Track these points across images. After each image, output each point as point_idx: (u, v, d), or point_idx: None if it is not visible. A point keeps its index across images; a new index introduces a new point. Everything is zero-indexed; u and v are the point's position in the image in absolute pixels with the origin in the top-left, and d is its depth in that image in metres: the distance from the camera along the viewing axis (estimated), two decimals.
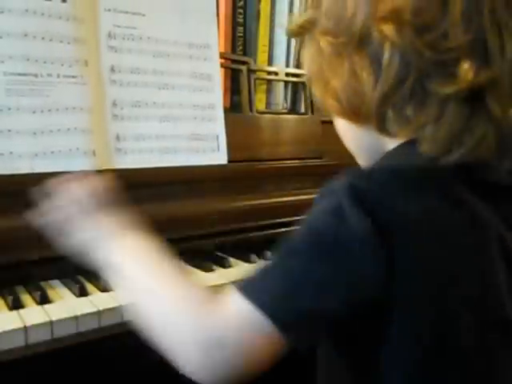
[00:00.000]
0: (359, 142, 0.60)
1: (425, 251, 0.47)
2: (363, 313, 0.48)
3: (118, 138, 0.94)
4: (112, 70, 0.94)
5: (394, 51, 0.49)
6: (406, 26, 0.48)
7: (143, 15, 0.97)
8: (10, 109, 0.83)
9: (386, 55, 0.49)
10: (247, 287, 0.49)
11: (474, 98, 0.47)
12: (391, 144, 0.54)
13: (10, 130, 0.83)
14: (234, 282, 0.51)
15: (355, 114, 0.55)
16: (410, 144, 0.51)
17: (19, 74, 0.83)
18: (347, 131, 0.60)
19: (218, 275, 0.90)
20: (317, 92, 0.57)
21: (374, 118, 0.53)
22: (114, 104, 0.94)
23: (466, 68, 0.46)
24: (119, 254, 0.60)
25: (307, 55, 0.57)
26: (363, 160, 0.61)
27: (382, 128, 0.53)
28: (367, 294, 0.47)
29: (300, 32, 0.59)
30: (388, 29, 0.48)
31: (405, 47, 0.48)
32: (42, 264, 0.82)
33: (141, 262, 0.58)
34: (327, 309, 0.47)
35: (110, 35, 0.94)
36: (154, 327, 0.53)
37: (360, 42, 0.51)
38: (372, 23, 0.50)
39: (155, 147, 0.98)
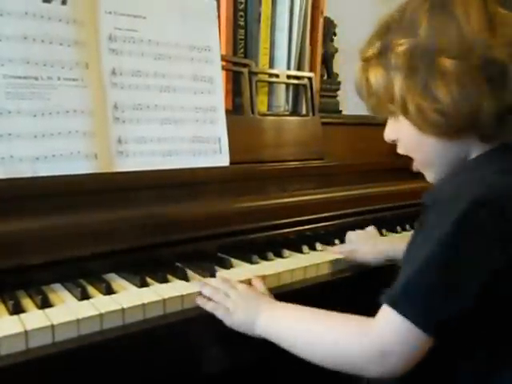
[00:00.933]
0: (446, 153, 0.68)
1: None
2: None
3: (119, 140, 0.91)
4: (113, 72, 0.91)
5: None
6: None
7: (144, 18, 0.95)
8: (10, 112, 0.80)
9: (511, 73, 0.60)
10: (396, 303, 0.60)
11: None
12: (476, 152, 0.66)
13: (10, 134, 0.80)
14: (382, 296, 0.63)
15: (458, 127, 0.64)
16: (497, 150, 0.65)
17: (19, 77, 0.81)
18: (433, 145, 0.67)
19: (220, 276, 0.88)
20: (415, 108, 0.64)
21: (485, 126, 0.63)
22: (115, 107, 0.91)
23: None
24: (274, 320, 0.75)
25: (398, 77, 0.65)
26: (439, 170, 0.70)
27: (487, 135, 0.65)
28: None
29: (372, 57, 0.69)
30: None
31: None
32: (43, 268, 0.80)
33: (296, 315, 0.74)
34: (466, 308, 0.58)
35: (110, 38, 0.91)
36: (326, 356, 0.67)
37: (478, 63, 0.60)
38: (491, 49, 0.60)
39: (157, 150, 0.96)
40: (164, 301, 0.77)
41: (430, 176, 0.72)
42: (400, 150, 0.74)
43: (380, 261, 0.99)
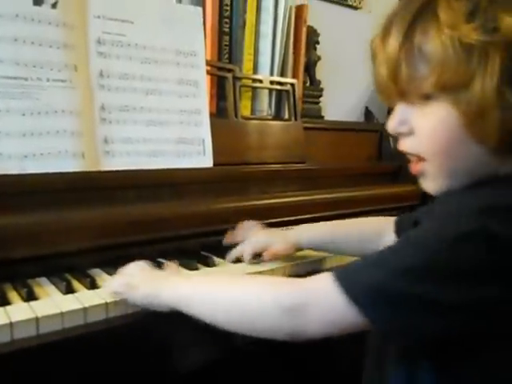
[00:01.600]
0: (481, 164, 0.55)
1: None
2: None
3: (106, 140, 0.93)
4: (101, 75, 0.93)
5: None
6: None
7: (132, 23, 0.97)
8: None
9: None
10: (342, 275, 0.55)
11: None
12: (503, 170, 0.55)
13: None
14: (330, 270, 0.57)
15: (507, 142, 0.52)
16: None
17: (9, 78, 0.83)
18: (473, 153, 0.55)
19: (203, 273, 0.90)
20: (500, 107, 0.51)
21: None
22: (103, 108, 0.93)
23: None
24: (184, 286, 0.69)
25: (494, 62, 0.50)
26: (455, 182, 0.57)
27: None
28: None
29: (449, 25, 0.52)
30: None
31: None
32: (30, 262, 0.81)
33: (205, 278, 0.71)
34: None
35: (99, 41, 0.93)
36: (243, 313, 0.60)
37: None
38: None
39: (142, 150, 0.98)
40: None
41: (437, 186, 0.59)
42: (407, 147, 0.59)
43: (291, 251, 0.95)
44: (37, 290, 0.77)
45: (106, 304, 0.75)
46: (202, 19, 1.09)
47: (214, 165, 1.09)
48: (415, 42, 0.54)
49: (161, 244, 0.96)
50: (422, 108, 0.56)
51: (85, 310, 0.73)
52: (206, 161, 1.08)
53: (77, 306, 0.73)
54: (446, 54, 0.51)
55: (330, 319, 0.55)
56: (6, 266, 0.79)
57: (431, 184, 0.59)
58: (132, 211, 0.92)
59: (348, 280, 0.54)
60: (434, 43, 0.52)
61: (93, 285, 0.80)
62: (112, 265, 0.88)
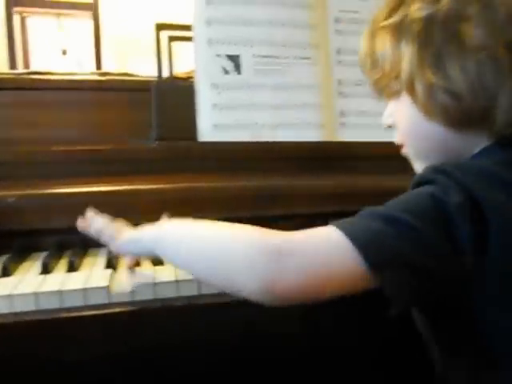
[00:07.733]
0: (449, 145, 0.64)
1: None
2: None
3: (342, 113, 1.10)
4: (338, 52, 1.11)
5: None
6: None
7: (366, 0, 1.13)
8: (256, 86, 1.05)
9: None
10: (341, 224, 0.57)
11: None
12: (477, 148, 0.63)
13: (254, 104, 1.05)
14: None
15: (472, 116, 0.60)
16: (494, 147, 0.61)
17: (263, 56, 1.06)
18: (437, 134, 0.64)
19: None
20: (423, 85, 0.61)
21: (501, 121, 0.60)
22: (340, 83, 1.10)
23: None
24: (166, 226, 0.71)
25: (409, 48, 0.61)
26: (434, 159, 0.64)
27: (500, 133, 0.61)
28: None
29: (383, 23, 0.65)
30: None
31: None
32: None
33: (194, 224, 0.67)
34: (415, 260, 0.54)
35: (336, 20, 1.11)
36: (225, 258, 0.60)
37: (508, 42, 0.58)
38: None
39: (375, 123, 1.12)
40: None
41: (419, 167, 0.69)
42: (397, 139, 0.71)
43: None
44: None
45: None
46: None
47: None
48: (368, 43, 0.68)
49: None
50: (396, 101, 0.67)
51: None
52: None
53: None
54: (383, 51, 0.64)
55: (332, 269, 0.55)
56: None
57: (415, 166, 0.70)
58: (361, 182, 1.07)
59: (349, 227, 0.56)
60: (376, 43, 0.65)
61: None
62: None
